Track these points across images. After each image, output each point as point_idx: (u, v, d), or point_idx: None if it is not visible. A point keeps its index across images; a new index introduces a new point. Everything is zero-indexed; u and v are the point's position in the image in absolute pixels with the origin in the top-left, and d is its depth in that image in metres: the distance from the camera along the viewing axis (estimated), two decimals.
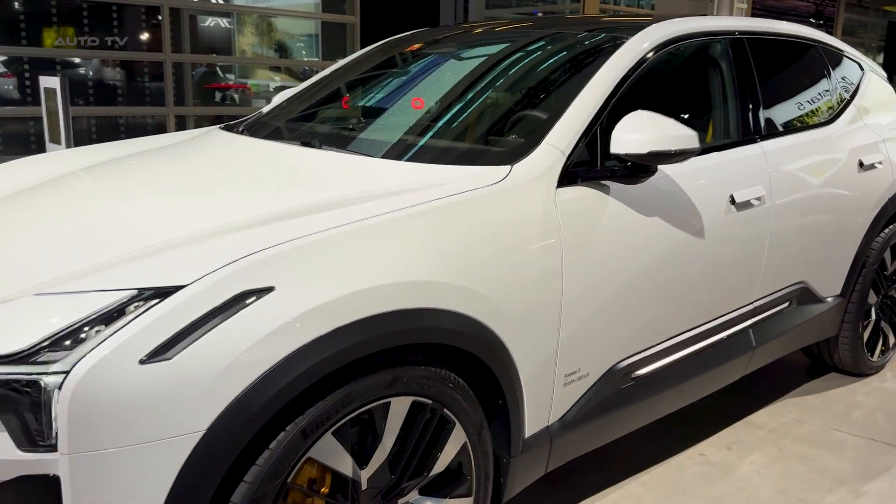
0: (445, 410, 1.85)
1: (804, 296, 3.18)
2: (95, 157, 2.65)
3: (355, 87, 3.15)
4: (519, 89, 2.62)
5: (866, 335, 3.66)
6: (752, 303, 2.87)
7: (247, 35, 14.75)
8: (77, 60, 10.47)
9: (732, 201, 2.62)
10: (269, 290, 1.54)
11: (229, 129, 2.96)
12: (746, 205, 2.67)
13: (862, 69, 3.73)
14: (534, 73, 2.66)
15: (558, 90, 2.47)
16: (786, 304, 3.08)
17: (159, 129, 11.18)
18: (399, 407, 1.77)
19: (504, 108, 2.52)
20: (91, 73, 11.42)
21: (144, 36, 11.57)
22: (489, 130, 2.43)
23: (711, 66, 2.86)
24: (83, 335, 1.42)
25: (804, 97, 3.29)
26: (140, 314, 1.45)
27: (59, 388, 1.38)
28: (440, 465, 1.89)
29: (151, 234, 1.75)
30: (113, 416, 1.40)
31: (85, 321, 1.43)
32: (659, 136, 2.14)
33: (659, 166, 2.25)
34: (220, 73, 14.29)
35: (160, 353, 1.43)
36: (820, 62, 3.43)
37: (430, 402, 1.82)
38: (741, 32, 2.96)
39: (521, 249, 1.99)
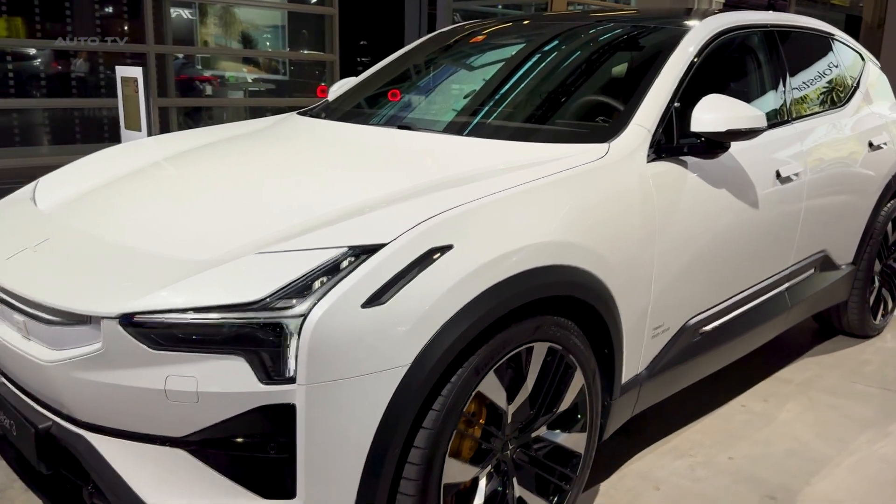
0: (570, 356, 2.13)
1: (825, 263, 3.53)
2: (203, 140, 2.85)
3: (432, 76, 3.38)
4: (600, 76, 2.90)
5: (871, 300, 4.04)
6: (788, 268, 3.20)
7: (209, 26, 14.74)
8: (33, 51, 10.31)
9: (778, 176, 2.95)
10: (450, 247, 1.80)
11: (315, 115, 3.18)
12: (788, 179, 3.00)
13: (863, 59, 4.11)
14: (612, 62, 2.94)
15: (636, 76, 2.75)
16: (811, 271, 3.43)
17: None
18: (539, 351, 2.04)
19: (590, 93, 2.80)
20: (72, 66, 11.37)
21: (124, 28, 11.54)
22: (582, 113, 2.71)
23: (751, 54, 3.18)
24: (312, 286, 1.66)
25: (822, 83, 3.64)
26: (355, 267, 1.69)
27: (299, 330, 1.62)
28: (564, 404, 2.17)
29: (324, 203, 1.99)
30: (340, 353, 1.64)
31: (311, 274, 1.67)
32: (734, 116, 2.44)
33: None
34: (193, 64, 14.25)
35: (375, 299, 1.67)
36: (832, 52, 3.79)
37: (560, 348, 2.09)
38: (772, 25, 3.29)
39: (626, 215, 2.28)
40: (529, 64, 3.07)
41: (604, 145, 2.37)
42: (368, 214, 1.87)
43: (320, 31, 17.05)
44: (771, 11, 4.00)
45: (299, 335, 1.62)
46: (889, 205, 3.96)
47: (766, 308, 3.10)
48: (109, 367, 1.70)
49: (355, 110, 3.16)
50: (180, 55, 12.69)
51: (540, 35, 3.26)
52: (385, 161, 2.44)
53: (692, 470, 2.76)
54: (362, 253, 1.72)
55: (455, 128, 2.72)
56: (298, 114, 3.31)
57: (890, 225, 4.03)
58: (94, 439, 1.77)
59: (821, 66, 3.69)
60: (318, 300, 1.64)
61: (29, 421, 1.88)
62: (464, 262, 1.81)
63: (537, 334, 2.01)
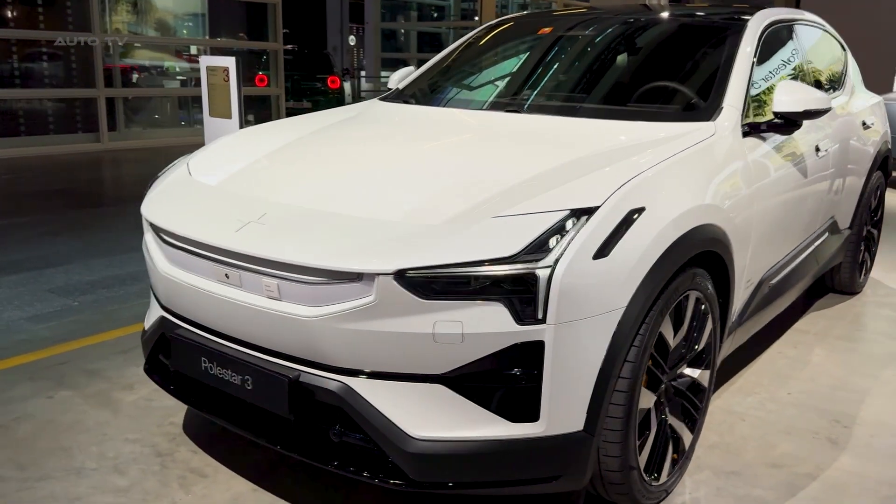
0: (706, 303, 2.51)
1: (833, 227, 4.06)
2: (331, 124, 3.10)
3: (518, 63, 3.68)
4: (680, 63, 3.27)
5: (859, 260, 4.63)
6: (815, 231, 3.71)
7: (121, 13, 14.41)
8: None
9: (817, 150, 3.42)
10: (643, 209, 2.14)
11: (405, 100, 3.45)
12: (822, 153, 3.49)
13: (844, 48, 4.67)
14: (689, 50, 3.32)
15: (713, 63, 3.14)
16: (826, 234, 3.95)
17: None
18: (692, 297, 2.41)
19: (676, 78, 3.18)
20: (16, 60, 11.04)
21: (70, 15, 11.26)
22: (670, 95, 3.08)
23: (787, 44, 3.64)
24: (548, 242, 1.97)
25: (828, 69, 4.16)
26: (581, 227, 2.01)
27: (549, 278, 1.93)
28: (699, 345, 2.55)
29: (511, 175, 2.29)
30: (579, 297, 1.96)
31: (547, 233, 1.98)
32: (809, 98, 2.88)
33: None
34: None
35: (602, 252, 2.00)
36: (831, 42, 4.32)
37: (701, 295, 2.47)
38: (797, 20, 3.78)
39: (737, 183, 2.68)
40: (614, 53, 3.43)
41: (709, 124, 2.75)
42: (574, 182, 2.19)
43: (243, 19, 16.86)
44: (793, 9, 4.49)
45: (549, 283, 1.93)
46: (874, 176, 4.54)
47: (806, 265, 3.59)
48: (380, 317, 1.96)
49: (450, 96, 3.44)
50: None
51: (611, 26, 3.60)
52: (526, 139, 2.75)
53: (762, 404, 3.21)
54: (581, 214, 2.04)
55: (566, 111, 3.04)
56: (381, 100, 3.57)
57: (872, 194, 4.62)
58: (354, 382, 2.03)
59: (825, 54, 4.21)
60: (561, 254, 1.95)
61: (275, 373, 2.12)
62: (656, 222, 2.16)
63: (692, 284, 2.38)
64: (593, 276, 1.99)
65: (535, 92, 3.30)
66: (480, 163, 2.51)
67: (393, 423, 2.00)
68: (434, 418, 2.01)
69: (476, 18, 19.47)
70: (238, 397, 2.26)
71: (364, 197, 2.29)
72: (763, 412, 3.14)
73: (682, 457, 2.53)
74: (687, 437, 2.55)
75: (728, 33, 3.22)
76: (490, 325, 1.93)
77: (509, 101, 3.24)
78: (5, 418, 2.93)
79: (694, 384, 2.57)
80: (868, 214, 4.63)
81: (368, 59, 22.24)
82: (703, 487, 2.57)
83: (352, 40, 28.84)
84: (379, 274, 1.94)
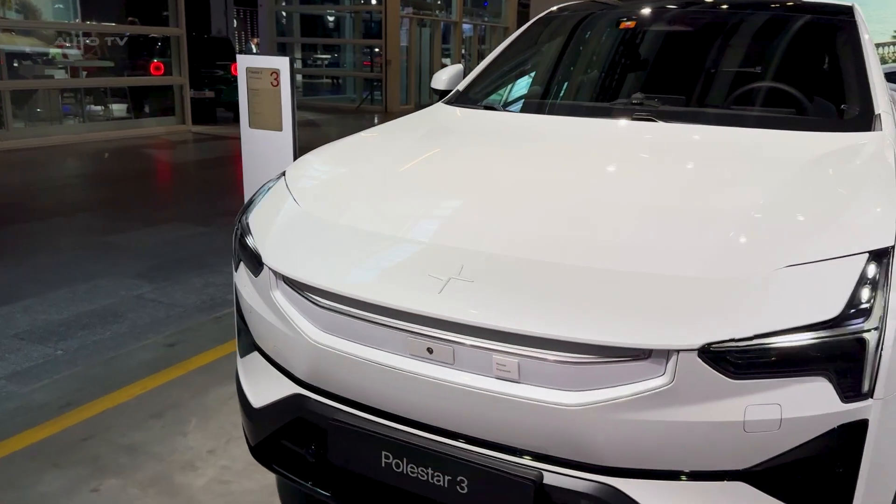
0: None
1: None
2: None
3: (616, 64, 3.25)
4: (811, 67, 2.96)
5: None
6: None
7: None
8: None
9: None
10: None
11: (493, 108, 2.98)
12: None
13: None
14: (809, 50, 3.00)
15: (838, 64, 2.86)
16: None
17: None
18: None
19: (817, 82, 2.86)
20: None
21: None
22: (810, 100, 2.76)
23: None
24: (863, 296, 1.59)
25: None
26: (890, 272, 1.65)
27: (879, 342, 1.56)
28: None
29: (745, 202, 1.90)
30: None
31: (859, 284, 1.61)
32: None
33: None
34: None
35: None
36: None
37: None
38: None
39: None
40: (734, 48, 3.06)
41: (878, 134, 2.45)
42: (844, 213, 1.82)
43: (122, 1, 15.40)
44: None
45: (878, 349, 1.56)
46: None
47: None
48: (674, 404, 1.53)
49: (551, 102, 3.00)
50: None
51: (713, 15, 3.23)
52: (698, 155, 2.34)
53: None
54: (881, 256, 1.68)
55: (708, 119, 2.66)
56: (451, 105, 3.07)
57: None
58: (624, 484, 1.60)
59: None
60: (885, 310, 1.59)
61: (511, 474, 1.65)
62: None
63: None
64: None
65: (661, 97, 2.87)
66: (683, 187, 2.09)
67: None
68: None
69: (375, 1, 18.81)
70: (438, 503, 1.77)
71: (585, 239, 1.83)
72: None
73: None
74: None
75: (844, 31, 2.93)
76: (813, 405, 1.55)
77: (634, 108, 2.79)
78: None
79: None
80: None
81: (263, 44, 21.10)
82: None
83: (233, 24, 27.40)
84: (680, 350, 1.51)
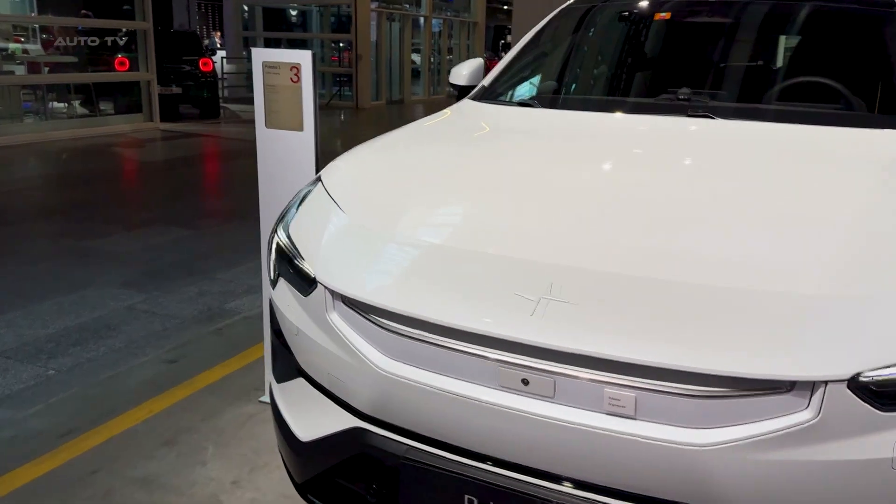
0: None
1: None
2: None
3: (657, 55, 3.06)
4: (860, 59, 2.78)
5: None
6: None
7: None
8: None
9: None
10: None
11: (525, 104, 2.76)
12: None
13: None
14: (857, 41, 2.83)
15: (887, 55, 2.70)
16: None
17: None
18: None
19: (864, 73, 2.68)
20: None
21: None
22: (865, 91, 2.60)
23: None
24: None
25: None
26: None
27: None
28: None
29: (831, 207, 1.74)
30: None
31: None
32: None
33: None
34: None
35: None
36: None
37: None
38: None
39: None
40: (779, 43, 2.90)
41: None
42: None
43: None
44: None
45: None
46: None
47: None
48: (819, 441, 1.35)
49: (588, 97, 2.80)
50: None
51: (745, 10, 3.06)
52: (784, 156, 2.16)
53: None
54: None
55: (769, 115, 2.48)
56: (479, 101, 2.86)
57: None
58: None
59: None
60: None
61: None
62: None
63: None
64: None
65: (713, 91, 2.68)
66: (780, 191, 1.88)
67: None
68: None
69: None
70: None
71: (693, 252, 1.62)
72: None
73: None
74: None
75: (885, 10, 2.78)
76: None
77: (682, 103, 2.59)
78: None
79: None
80: None
81: (229, 38, 20.61)
82: None
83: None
84: (828, 381, 1.33)
